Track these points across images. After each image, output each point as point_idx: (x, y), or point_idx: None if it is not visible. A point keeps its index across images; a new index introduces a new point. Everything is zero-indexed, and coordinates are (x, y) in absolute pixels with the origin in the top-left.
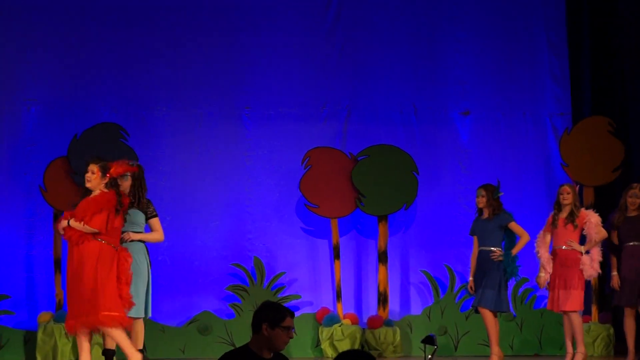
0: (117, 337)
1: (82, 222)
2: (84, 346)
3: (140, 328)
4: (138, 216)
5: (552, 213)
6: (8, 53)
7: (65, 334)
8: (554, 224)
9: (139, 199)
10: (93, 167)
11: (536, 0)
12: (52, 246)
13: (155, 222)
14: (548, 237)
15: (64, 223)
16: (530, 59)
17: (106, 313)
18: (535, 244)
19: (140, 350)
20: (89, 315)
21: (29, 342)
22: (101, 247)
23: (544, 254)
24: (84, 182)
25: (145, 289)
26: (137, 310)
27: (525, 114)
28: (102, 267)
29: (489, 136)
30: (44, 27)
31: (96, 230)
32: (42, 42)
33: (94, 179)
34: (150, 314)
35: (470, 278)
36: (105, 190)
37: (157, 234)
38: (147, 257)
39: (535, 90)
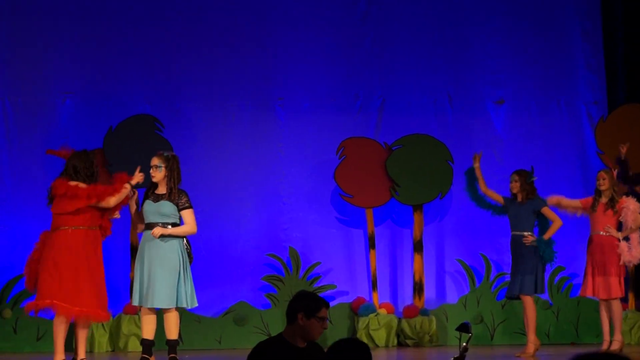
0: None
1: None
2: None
3: (173, 318)
4: (166, 207)
5: (592, 196)
6: (42, 46)
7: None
8: (593, 207)
9: (170, 189)
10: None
11: None
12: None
13: (187, 214)
14: (573, 203)
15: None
16: (564, 47)
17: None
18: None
19: (176, 340)
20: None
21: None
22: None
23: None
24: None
25: (175, 280)
26: (169, 301)
27: (560, 103)
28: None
29: (523, 125)
30: (79, 19)
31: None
32: (76, 35)
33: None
34: (189, 305)
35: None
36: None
37: (187, 227)
38: (182, 249)
39: (570, 79)
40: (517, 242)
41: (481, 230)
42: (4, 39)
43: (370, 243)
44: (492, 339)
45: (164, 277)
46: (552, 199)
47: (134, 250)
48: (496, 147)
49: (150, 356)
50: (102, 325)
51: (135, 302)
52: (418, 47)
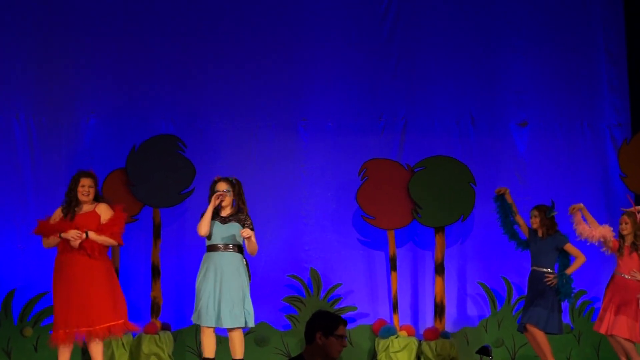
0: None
1: (111, 237)
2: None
3: (239, 337)
4: (234, 229)
5: (618, 239)
6: (67, 65)
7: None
8: (620, 251)
9: (237, 211)
10: (90, 181)
11: (594, 9)
12: (110, 257)
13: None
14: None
15: (82, 235)
16: (588, 69)
17: (113, 323)
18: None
19: None
20: (93, 325)
21: (87, 353)
22: (109, 262)
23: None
24: (74, 197)
25: (242, 299)
26: (238, 321)
27: (583, 125)
28: (112, 279)
29: (547, 147)
30: (102, 40)
31: (116, 244)
32: (100, 55)
33: (92, 191)
34: (250, 324)
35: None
36: (106, 204)
37: (255, 246)
38: (244, 269)
39: (593, 101)
40: (536, 278)
41: (503, 253)
42: (28, 57)
43: (392, 265)
44: None
45: (233, 297)
46: (575, 207)
47: (155, 270)
48: (519, 170)
49: None
50: (123, 344)
51: (201, 321)
52: (441, 69)
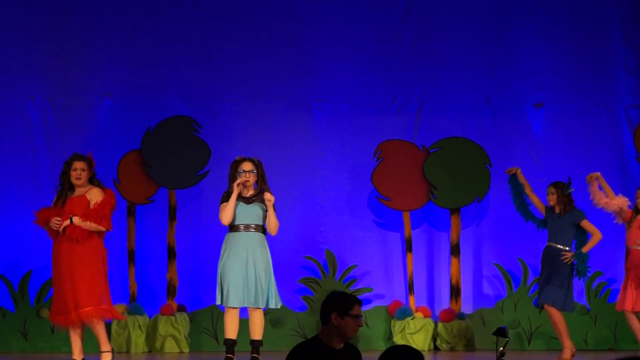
0: (101, 329)
1: (95, 222)
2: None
3: (259, 318)
4: (258, 209)
5: (632, 211)
6: (82, 47)
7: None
8: (629, 222)
9: (260, 192)
10: (82, 164)
11: None
12: (125, 239)
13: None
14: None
15: (63, 222)
16: (603, 50)
17: (105, 307)
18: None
19: (260, 341)
20: (88, 308)
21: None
22: (102, 245)
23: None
24: (67, 180)
25: (267, 280)
26: (262, 301)
27: (599, 106)
28: (102, 263)
29: (562, 128)
30: (116, 22)
31: (104, 230)
32: (115, 37)
33: (84, 175)
34: (276, 305)
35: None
36: (99, 188)
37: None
38: (268, 250)
39: (609, 82)
40: (551, 254)
41: (518, 234)
42: (43, 40)
43: (407, 246)
44: (529, 343)
45: (261, 277)
46: (592, 176)
47: (171, 251)
48: (535, 151)
49: (234, 355)
50: (139, 325)
51: (229, 302)
52: (457, 49)
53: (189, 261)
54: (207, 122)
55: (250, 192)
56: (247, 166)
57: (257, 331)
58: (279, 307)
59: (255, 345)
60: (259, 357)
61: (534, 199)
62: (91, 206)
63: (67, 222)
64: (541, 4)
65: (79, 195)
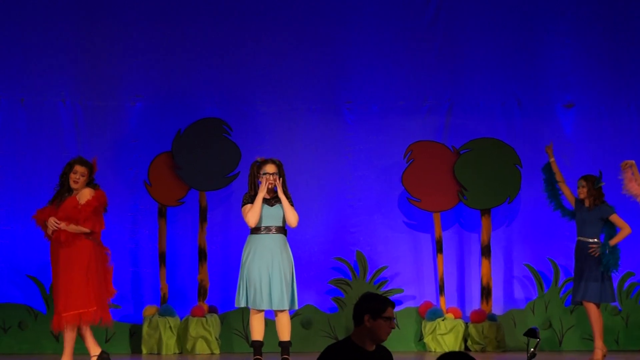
0: (87, 334)
1: (76, 224)
2: (71, 339)
3: (286, 320)
4: (279, 210)
5: None
6: (112, 50)
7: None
8: None
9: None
10: (83, 169)
11: None
12: (156, 240)
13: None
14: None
15: (52, 224)
16: (634, 50)
17: (89, 310)
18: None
19: (289, 342)
20: (79, 310)
21: (135, 336)
22: (93, 246)
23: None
24: (66, 181)
25: (290, 282)
26: (286, 303)
27: (630, 106)
28: (94, 264)
29: (593, 129)
30: (147, 24)
31: (88, 231)
32: (146, 39)
33: (82, 180)
34: (294, 307)
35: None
36: (91, 189)
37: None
38: (285, 251)
39: None
40: (582, 248)
41: (549, 234)
42: (73, 43)
43: (438, 247)
44: (560, 344)
45: (284, 279)
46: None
47: (202, 253)
48: (565, 151)
49: (262, 356)
50: (170, 327)
51: (254, 305)
52: (487, 50)
53: (220, 262)
54: (237, 124)
55: (271, 194)
56: (271, 168)
57: (285, 332)
58: (295, 308)
59: (285, 346)
60: (289, 358)
61: (565, 190)
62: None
63: (60, 225)
64: (571, 4)
65: (72, 197)
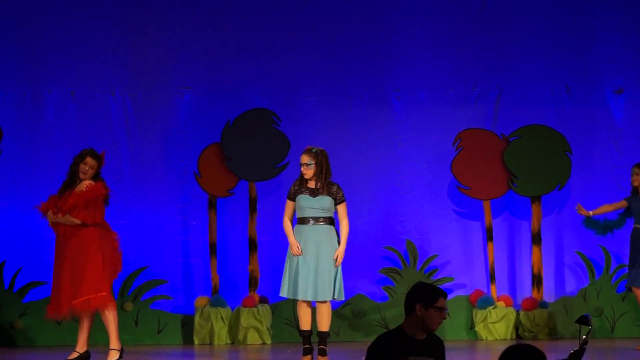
0: (112, 323)
1: (68, 214)
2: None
3: (327, 310)
4: (325, 202)
5: None
6: (161, 42)
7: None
8: None
9: (323, 184)
10: (93, 162)
11: None
12: (207, 231)
13: (343, 207)
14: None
15: (49, 215)
16: None
17: (103, 293)
18: None
19: (328, 332)
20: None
21: (186, 326)
22: (99, 233)
23: None
24: (76, 172)
25: (333, 273)
26: (329, 294)
27: None
28: (100, 252)
29: None
30: (196, 16)
31: (79, 222)
32: (194, 30)
33: (91, 172)
34: (340, 298)
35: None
36: (90, 181)
37: (347, 226)
38: (337, 242)
39: None
40: (636, 236)
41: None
42: (123, 35)
43: (488, 235)
44: (612, 331)
45: (329, 270)
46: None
47: (252, 243)
48: (615, 137)
49: (311, 345)
50: (222, 317)
51: (298, 295)
52: (536, 36)
53: (270, 253)
54: (286, 114)
55: (313, 184)
56: (303, 159)
57: (324, 323)
58: (342, 299)
59: (323, 336)
60: (326, 349)
61: (611, 209)
62: None
63: (51, 216)
64: None
65: (73, 188)
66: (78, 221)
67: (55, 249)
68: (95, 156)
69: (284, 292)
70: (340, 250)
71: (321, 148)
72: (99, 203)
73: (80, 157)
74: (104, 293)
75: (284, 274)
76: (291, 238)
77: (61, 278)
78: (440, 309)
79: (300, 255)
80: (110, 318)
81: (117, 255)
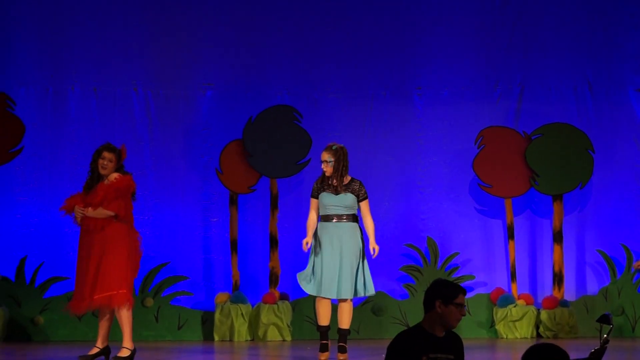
0: (127, 321)
1: (100, 207)
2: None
3: (348, 308)
4: (349, 199)
5: None
6: (183, 38)
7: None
8: None
9: (339, 181)
10: (110, 155)
11: None
12: (228, 228)
13: (365, 204)
14: None
15: (77, 212)
16: None
17: (124, 291)
18: None
19: (348, 330)
20: (110, 292)
21: (207, 323)
22: (127, 229)
23: None
24: (96, 168)
25: (355, 270)
26: (351, 292)
27: None
28: (125, 249)
29: None
30: (218, 13)
31: (113, 214)
32: (216, 28)
33: (111, 166)
34: (366, 293)
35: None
36: (119, 173)
37: (371, 223)
38: (362, 238)
39: None
40: None
41: (622, 220)
42: (145, 32)
43: (509, 233)
44: (633, 330)
45: (352, 268)
46: None
47: (273, 240)
48: (637, 136)
49: (328, 340)
50: (242, 314)
51: (322, 293)
52: (557, 34)
53: (291, 250)
54: (307, 111)
55: (335, 181)
56: (323, 156)
57: (345, 320)
58: (372, 294)
59: (343, 333)
60: (346, 346)
61: None
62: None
63: (79, 212)
64: None
65: (101, 183)
66: (111, 213)
67: (79, 244)
68: (112, 149)
69: (311, 289)
70: (373, 243)
71: (341, 145)
72: (129, 196)
73: (97, 153)
74: (125, 291)
75: (308, 271)
76: (307, 235)
77: (86, 273)
78: (460, 305)
79: (306, 250)
80: (126, 317)
81: (139, 255)
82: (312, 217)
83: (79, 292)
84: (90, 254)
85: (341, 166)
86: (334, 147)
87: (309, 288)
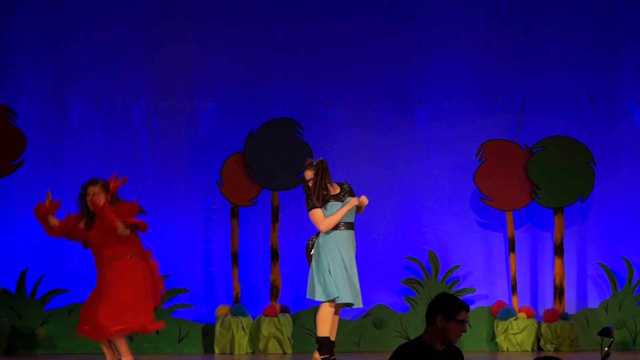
0: (122, 342)
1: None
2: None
3: (337, 319)
4: (336, 208)
5: None
6: (184, 51)
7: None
8: None
9: (346, 190)
10: (95, 188)
11: None
12: (229, 240)
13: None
14: None
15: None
16: None
17: (138, 321)
18: None
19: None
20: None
21: (207, 335)
22: (142, 265)
23: None
24: (85, 206)
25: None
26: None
27: None
28: (147, 282)
29: None
30: (219, 24)
31: (120, 227)
32: (217, 40)
33: (100, 198)
34: (342, 301)
35: None
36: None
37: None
38: (354, 248)
39: None
40: None
41: (623, 233)
42: (147, 44)
43: (510, 246)
44: (634, 344)
45: (356, 278)
46: None
47: (274, 253)
48: (639, 149)
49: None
50: (242, 327)
51: (341, 298)
52: (559, 48)
53: (292, 262)
54: (308, 124)
55: (333, 190)
56: (308, 175)
57: (334, 331)
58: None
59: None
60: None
61: None
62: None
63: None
64: None
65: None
66: (119, 226)
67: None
68: (95, 182)
69: (324, 296)
70: (355, 201)
71: (320, 159)
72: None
73: (83, 190)
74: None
75: (320, 278)
76: (344, 208)
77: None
78: (462, 322)
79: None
80: (122, 342)
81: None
82: (327, 219)
83: (93, 316)
84: (103, 280)
85: (327, 176)
86: (314, 163)
87: (325, 294)
